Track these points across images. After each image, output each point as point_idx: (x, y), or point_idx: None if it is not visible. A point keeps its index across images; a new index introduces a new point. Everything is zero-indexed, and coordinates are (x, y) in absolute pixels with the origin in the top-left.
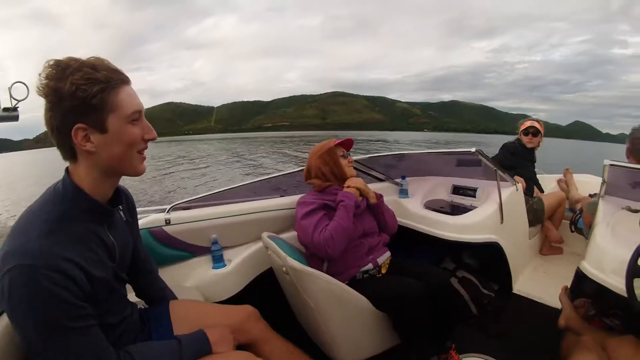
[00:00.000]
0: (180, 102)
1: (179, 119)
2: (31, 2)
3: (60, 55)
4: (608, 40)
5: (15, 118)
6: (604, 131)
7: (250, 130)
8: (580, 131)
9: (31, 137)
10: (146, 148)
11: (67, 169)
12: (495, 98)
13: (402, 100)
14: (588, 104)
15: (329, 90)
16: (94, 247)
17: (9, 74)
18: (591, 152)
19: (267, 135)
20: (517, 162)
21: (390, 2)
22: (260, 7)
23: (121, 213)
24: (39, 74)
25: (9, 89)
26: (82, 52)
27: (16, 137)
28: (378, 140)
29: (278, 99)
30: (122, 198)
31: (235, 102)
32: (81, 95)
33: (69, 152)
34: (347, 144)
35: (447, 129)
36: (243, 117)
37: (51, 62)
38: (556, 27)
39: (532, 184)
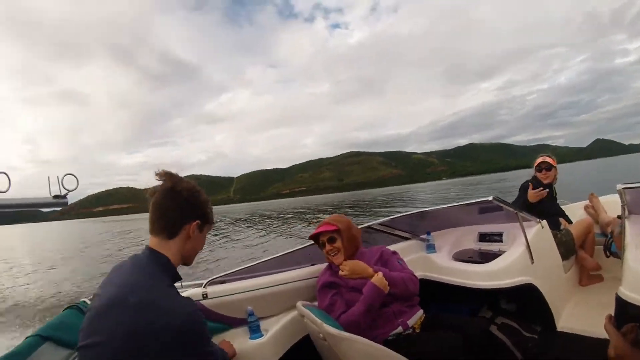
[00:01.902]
0: (200, 174)
1: None
2: (60, 83)
3: (89, 133)
4: (608, 52)
5: (65, 204)
6: (627, 143)
7: (268, 198)
8: (603, 149)
9: (59, 208)
10: None
11: (150, 249)
12: (512, 134)
13: (418, 152)
14: (604, 120)
15: (345, 151)
16: None
17: (42, 149)
18: (617, 168)
19: (283, 207)
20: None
21: (386, 61)
22: (270, 80)
23: None
24: (155, 172)
25: (61, 180)
26: (109, 129)
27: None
28: (393, 199)
29: (295, 164)
30: None
31: (254, 171)
32: (204, 203)
33: (173, 231)
34: (324, 232)
35: (466, 173)
36: (262, 185)
37: (163, 171)
38: (554, 53)
39: (556, 218)
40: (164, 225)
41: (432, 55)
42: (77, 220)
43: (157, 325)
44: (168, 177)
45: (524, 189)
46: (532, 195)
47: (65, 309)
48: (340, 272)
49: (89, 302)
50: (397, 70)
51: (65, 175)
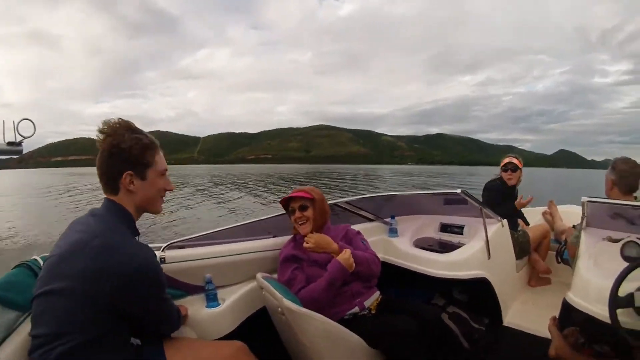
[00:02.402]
0: (167, 131)
1: (164, 149)
2: (31, 22)
3: (57, 79)
4: (589, 70)
5: (19, 152)
6: (589, 158)
7: (232, 162)
8: (565, 159)
9: (15, 156)
10: (164, 195)
11: (108, 199)
12: (482, 130)
13: (389, 134)
14: (572, 132)
15: (316, 124)
16: None
17: (6, 91)
18: (577, 180)
19: (248, 171)
20: (498, 201)
21: (377, 40)
22: (253, 42)
23: None
24: (97, 129)
25: (16, 125)
26: (78, 75)
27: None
28: (361, 179)
29: (264, 131)
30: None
31: (221, 133)
32: (134, 152)
33: (114, 188)
34: (297, 198)
35: (432, 162)
36: (228, 149)
37: (107, 121)
38: (538, 60)
39: (516, 218)
40: (105, 185)
41: (421, 40)
42: (33, 170)
43: (116, 266)
44: (102, 137)
45: (488, 189)
46: (521, 204)
47: (14, 267)
48: (305, 244)
49: (40, 260)
50: (383, 50)
51: (21, 121)
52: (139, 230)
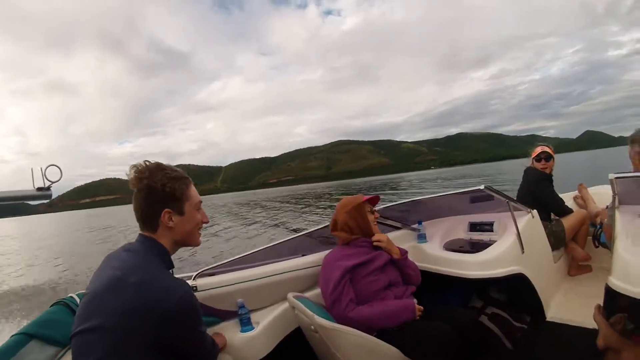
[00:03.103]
0: (189, 164)
1: None
2: (48, 73)
3: (79, 124)
4: (601, 44)
5: (49, 197)
6: (617, 135)
7: (254, 187)
8: (592, 140)
9: (46, 201)
10: (202, 227)
11: (143, 235)
12: (503, 123)
13: (409, 141)
14: (595, 112)
15: (336, 140)
16: None
17: (31, 141)
18: (606, 160)
19: (272, 196)
20: (538, 187)
21: (383, 48)
22: (263, 67)
23: None
24: (128, 174)
25: (44, 171)
26: (100, 119)
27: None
28: (382, 187)
29: (284, 153)
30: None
31: (242, 160)
32: (168, 190)
33: (152, 226)
34: (374, 200)
35: (455, 163)
36: (249, 175)
37: (137, 164)
38: (547, 43)
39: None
40: (143, 224)
41: (427, 42)
42: (61, 213)
43: (156, 302)
44: (133, 178)
45: (528, 176)
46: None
47: (52, 305)
48: (377, 242)
49: (76, 297)
50: (391, 58)
51: (47, 167)
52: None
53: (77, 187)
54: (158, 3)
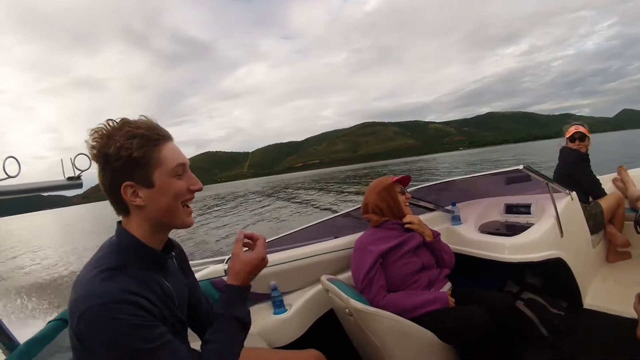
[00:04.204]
0: (217, 151)
1: (216, 167)
2: (75, 70)
3: (108, 117)
4: (637, 17)
5: (79, 186)
6: None
7: (280, 172)
8: (630, 119)
9: (80, 192)
10: (192, 199)
11: (119, 222)
12: (536, 102)
13: (438, 121)
14: (633, 88)
15: (362, 122)
16: (153, 289)
17: (65, 136)
18: None
19: (298, 177)
20: (576, 168)
21: (406, 28)
22: (286, 52)
23: (174, 260)
24: (86, 141)
25: (72, 160)
26: (127, 112)
27: (69, 193)
28: (412, 170)
29: (310, 137)
30: (174, 246)
31: (269, 145)
32: (124, 154)
33: (122, 208)
34: (404, 181)
35: (485, 144)
36: (276, 160)
37: (95, 128)
38: (579, 17)
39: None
40: (113, 205)
41: (451, 20)
42: (95, 203)
43: (70, 313)
44: (89, 146)
45: (563, 155)
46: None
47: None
48: (409, 225)
49: None
50: (416, 37)
51: (76, 156)
52: (166, 255)
53: None
54: None
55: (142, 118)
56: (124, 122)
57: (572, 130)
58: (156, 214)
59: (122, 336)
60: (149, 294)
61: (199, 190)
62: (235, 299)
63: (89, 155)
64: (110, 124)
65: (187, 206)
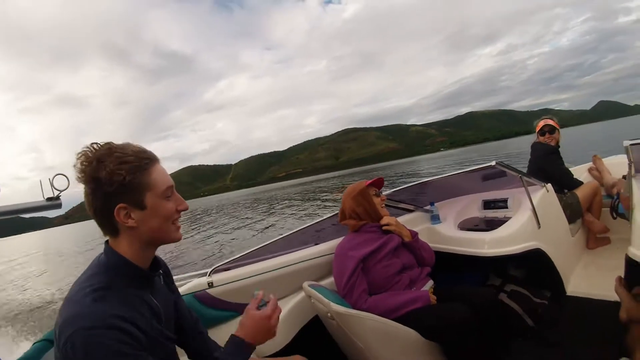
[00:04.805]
0: (199, 165)
1: (198, 181)
2: (56, 88)
3: (91, 135)
4: (610, 11)
5: (59, 206)
6: (632, 104)
7: (264, 182)
8: (607, 110)
9: (62, 213)
10: (179, 217)
11: (107, 242)
12: (515, 99)
13: (419, 124)
14: (608, 81)
15: (344, 128)
16: (141, 309)
17: (46, 156)
18: (621, 129)
19: (281, 187)
20: (545, 162)
21: (386, 34)
22: (267, 62)
23: (161, 278)
24: (74, 165)
25: (51, 180)
26: (111, 129)
27: (50, 214)
28: (394, 174)
29: (292, 146)
30: (160, 264)
31: (251, 157)
32: (117, 179)
33: (111, 229)
34: (378, 183)
35: (466, 143)
36: (259, 171)
37: (81, 152)
38: (554, 15)
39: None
40: (101, 227)
41: (431, 23)
42: (79, 224)
43: (56, 335)
44: (77, 170)
45: (534, 150)
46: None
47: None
48: (386, 226)
49: None
50: (396, 42)
51: (55, 176)
52: (153, 272)
53: None
54: (158, 9)
55: (119, 143)
56: (110, 146)
57: (541, 124)
58: (148, 234)
59: None
60: (138, 319)
61: (185, 209)
62: (235, 351)
63: (68, 177)
64: (96, 147)
65: (175, 223)
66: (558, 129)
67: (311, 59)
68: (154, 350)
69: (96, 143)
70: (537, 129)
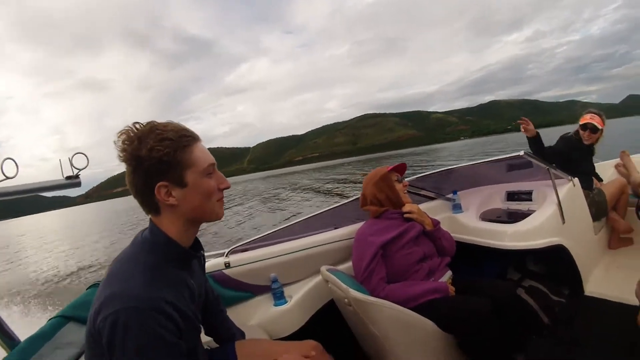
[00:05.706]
0: (218, 147)
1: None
2: (78, 73)
3: (113, 117)
4: None
5: (78, 184)
6: None
7: (281, 166)
8: (636, 106)
9: (83, 192)
10: (222, 196)
11: (151, 220)
12: (541, 89)
13: (441, 111)
14: (639, 74)
15: (365, 113)
16: (182, 291)
17: (69, 138)
18: None
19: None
20: (575, 156)
21: (409, 18)
22: (289, 46)
23: (200, 259)
24: (115, 142)
25: (70, 159)
26: (132, 112)
27: (71, 193)
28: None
29: (311, 130)
30: (201, 246)
31: (269, 140)
32: (157, 155)
33: (153, 207)
34: (400, 169)
35: (487, 132)
36: (276, 154)
37: (123, 131)
38: (583, 1)
39: (590, 177)
40: (143, 205)
41: (453, 9)
42: (98, 203)
43: (91, 318)
44: (119, 149)
45: (564, 143)
46: None
47: (89, 287)
48: (408, 214)
49: None
50: (419, 26)
51: (74, 155)
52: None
53: (111, 177)
54: None
55: (161, 122)
56: (152, 125)
57: (586, 118)
58: (189, 212)
59: (150, 345)
60: (181, 302)
61: (227, 187)
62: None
63: (119, 155)
64: (138, 126)
65: (219, 200)
66: (601, 130)
67: (333, 43)
68: (187, 332)
69: (138, 123)
70: (581, 121)
